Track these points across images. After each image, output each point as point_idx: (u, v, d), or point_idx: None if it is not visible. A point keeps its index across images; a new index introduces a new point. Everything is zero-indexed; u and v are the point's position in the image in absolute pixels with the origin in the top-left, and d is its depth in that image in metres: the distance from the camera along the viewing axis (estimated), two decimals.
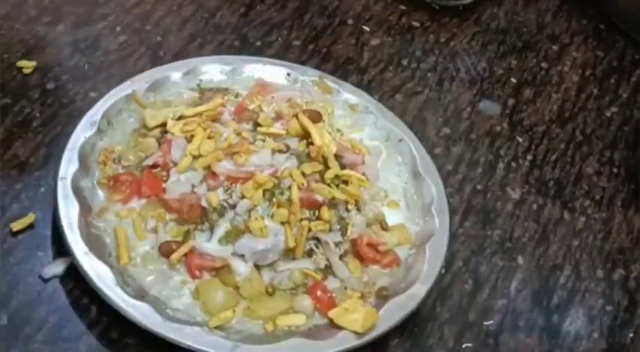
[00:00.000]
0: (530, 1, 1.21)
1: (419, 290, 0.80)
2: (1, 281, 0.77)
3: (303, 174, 0.82)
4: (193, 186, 0.80)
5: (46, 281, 0.78)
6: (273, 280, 0.78)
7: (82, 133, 0.84)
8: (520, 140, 1.02)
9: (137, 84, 0.90)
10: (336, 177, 0.84)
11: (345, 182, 0.84)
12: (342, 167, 0.85)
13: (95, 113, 0.86)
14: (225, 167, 0.80)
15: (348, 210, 0.83)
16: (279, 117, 0.88)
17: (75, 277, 0.77)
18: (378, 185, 0.88)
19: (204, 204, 0.79)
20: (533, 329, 0.86)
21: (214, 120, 0.86)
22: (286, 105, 0.89)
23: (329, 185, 0.83)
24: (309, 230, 0.80)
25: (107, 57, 0.98)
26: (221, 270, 0.78)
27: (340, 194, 0.82)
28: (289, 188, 0.80)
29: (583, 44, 1.17)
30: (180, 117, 0.86)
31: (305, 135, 0.86)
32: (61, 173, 0.80)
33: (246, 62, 0.96)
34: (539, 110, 1.07)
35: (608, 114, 1.09)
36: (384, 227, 0.84)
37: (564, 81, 1.12)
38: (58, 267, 0.78)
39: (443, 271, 0.85)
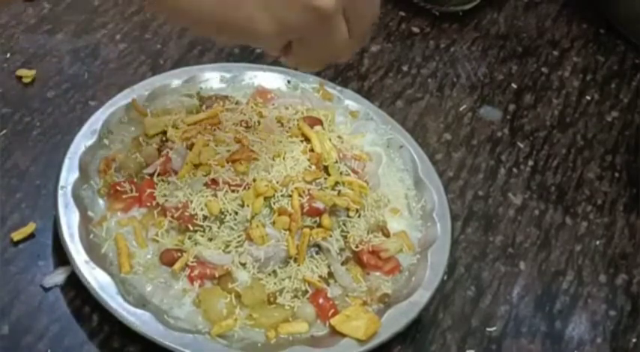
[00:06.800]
0: (530, 6, 1.21)
1: (421, 297, 0.80)
2: (2, 291, 0.77)
3: (304, 181, 0.82)
4: (194, 194, 0.80)
5: (47, 290, 0.78)
6: (275, 288, 0.78)
7: (82, 142, 0.84)
8: (521, 145, 1.02)
9: (137, 92, 0.90)
10: (337, 183, 0.83)
11: (347, 189, 0.84)
12: (343, 174, 0.85)
13: (95, 121, 0.86)
14: (225, 174, 0.80)
15: (349, 217, 0.83)
16: (279, 124, 0.88)
17: (76, 286, 0.77)
18: (379, 191, 0.88)
19: (204, 212, 0.79)
20: (536, 335, 0.86)
21: (215, 127, 0.85)
22: (287, 113, 0.89)
23: (330, 192, 0.82)
24: (311, 237, 0.79)
25: (107, 65, 0.98)
26: (222, 278, 0.78)
27: (341, 201, 0.82)
28: (290, 195, 0.80)
29: (583, 49, 1.17)
30: (180, 125, 0.86)
31: (305, 142, 0.86)
32: (62, 182, 0.80)
33: (247, 69, 0.96)
34: (540, 115, 1.07)
35: (609, 118, 1.09)
36: (386, 233, 0.84)
37: (565, 86, 1.11)
38: (58, 276, 0.78)
39: (445, 277, 0.85)
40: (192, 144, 0.83)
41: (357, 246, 0.82)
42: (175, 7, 0.61)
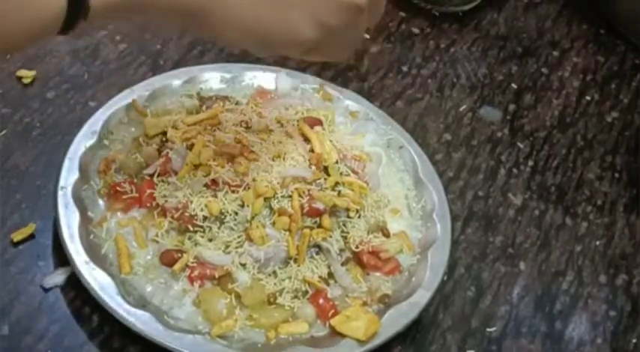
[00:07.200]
0: (530, 6, 1.21)
1: (421, 297, 0.80)
2: (3, 291, 0.77)
3: (304, 181, 0.82)
4: (194, 195, 0.80)
5: (47, 291, 0.78)
6: (275, 288, 0.78)
7: (82, 142, 0.84)
8: (521, 146, 1.02)
9: (137, 92, 0.90)
10: (337, 184, 0.83)
11: (347, 189, 0.84)
12: (343, 174, 0.85)
13: (95, 122, 0.86)
14: (225, 175, 0.80)
15: (349, 218, 0.83)
16: (279, 124, 0.88)
17: (76, 287, 0.77)
18: (379, 192, 0.88)
19: (204, 212, 0.79)
20: (536, 336, 0.86)
21: (215, 128, 0.85)
22: (287, 113, 0.89)
23: (330, 192, 0.82)
24: (311, 238, 0.79)
25: (107, 66, 0.98)
26: (222, 279, 0.78)
27: (341, 201, 0.82)
28: (290, 196, 0.80)
29: (583, 49, 1.17)
30: (180, 126, 0.86)
31: (305, 143, 0.86)
32: (62, 182, 0.80)
33: (247, 70, 0.96)
34: (540, 116, 1.07)
35: (609, 119, 1.09)
36: (386, 234, 0.84)
37: (565, 86, 1.11)
38: (59, 277, 0.78)
39: (445, 278, 0.85)
40: (192, 145, 0.83)
41: (357, 247, 0.82)
42: (221, 24, 0.62)
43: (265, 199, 0.80)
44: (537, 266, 0.91)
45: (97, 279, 0.75)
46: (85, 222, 0.79)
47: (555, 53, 1.16)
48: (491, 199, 0.96)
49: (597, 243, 0.95)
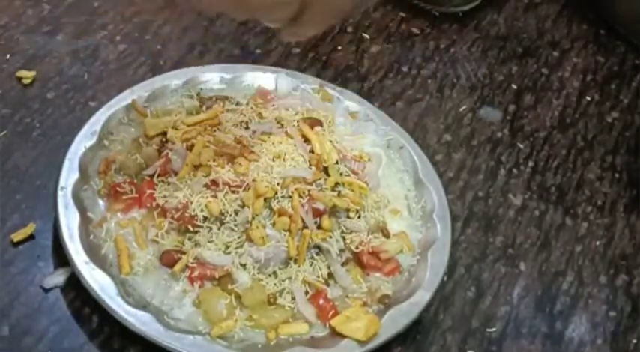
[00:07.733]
0: (530, 6, 1.21)
1: (421, 298, 0.80)
2: (2, 292, 0.77)
3: (304, 182, 0.82)
4: (194, 195, 0.80)
5: (47, 291, 0.78)
6: (275, 289, 0.78)
7: (82, 143, 0.84)
8: (521, 146, 1.02)
9: (137, 93, 0.90)
10: (337, 184, 0.83)
11: (347, 190, 0.84)
12: (343, 175, 0.85)
13: (95, 122, 0.86)
14: (225, 175, 0.80)
15: (349, 218, 0.83)
16: (279, 125, 0.88)
17: (76, 287, 0.77)
18: (379, 192, 0.88)
19: (204, 213, 0.79)
20: (536, 336, 0.86)
21: (215, 128, 0.85)
22: (287, 114, 0.89)
23: (330, 193, 0.82)
24: (311, 238, 0.79)
25: (107, 66, 0.98)
26: (222, 279, 0.78)
27: (341, 202, 0.82)
28: (290, 196, 0.80)
29: (583, 50, 1.17)
30: (180, 126, 0.86)
31: (305, 143, 0.86)
32: (62, 183, 0.80)
33: (247, 70, 0.96)
34: (540, 116, 1.07)
35: (609, 119, 1.09)
36: (386, 234, 0.84)
37: (565, 86, 1.11)
38: (59, 277, 0.78)
39: (445, 278, 0.85)
40: (192, 145, 0.83)
41: (357, 247, 0.82)
42: None
43: (265, 200, 0.80)
44: (537, 266, 0.91)
45: (97, 280, 0.75)
46: (85, 222, 0.79)
47: (555, 53, 1.16)
48: (491, 200, 0.96)
49: (597, 243, 0.95)
